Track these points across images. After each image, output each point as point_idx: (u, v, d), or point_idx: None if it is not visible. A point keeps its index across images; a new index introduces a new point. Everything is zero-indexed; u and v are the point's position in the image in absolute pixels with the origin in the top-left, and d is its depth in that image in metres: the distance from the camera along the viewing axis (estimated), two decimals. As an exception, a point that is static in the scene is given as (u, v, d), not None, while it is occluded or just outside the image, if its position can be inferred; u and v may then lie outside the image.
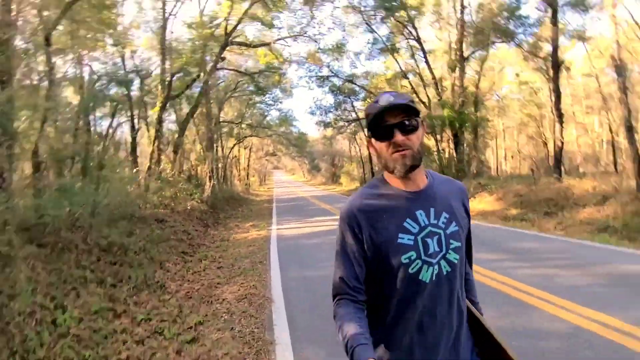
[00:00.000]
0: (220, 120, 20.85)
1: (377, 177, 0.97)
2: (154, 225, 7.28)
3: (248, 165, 35.98)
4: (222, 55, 13.51)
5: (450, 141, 13.85)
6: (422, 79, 15.84)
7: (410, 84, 16.76)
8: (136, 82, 12.15)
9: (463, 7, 11.92)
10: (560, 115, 10.17)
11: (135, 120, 12.47)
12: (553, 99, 10.43)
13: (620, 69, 6.16)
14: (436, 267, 0.87)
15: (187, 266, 5.76)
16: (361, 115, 24.63)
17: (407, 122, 0.85)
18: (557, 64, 9.18)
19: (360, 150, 28.36)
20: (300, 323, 3.08)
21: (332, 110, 23.93)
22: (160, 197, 9.44)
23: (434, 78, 13.69)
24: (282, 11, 13.81)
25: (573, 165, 19.52)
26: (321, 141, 34.01)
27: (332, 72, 19.01)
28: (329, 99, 22.93)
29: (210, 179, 11.98)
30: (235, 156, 29.73)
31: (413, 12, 13.19)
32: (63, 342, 2.93)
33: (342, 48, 18.09)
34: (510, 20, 11.23)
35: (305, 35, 15.19)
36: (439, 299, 0.88)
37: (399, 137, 0.84)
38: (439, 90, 13.71)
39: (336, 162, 37.58)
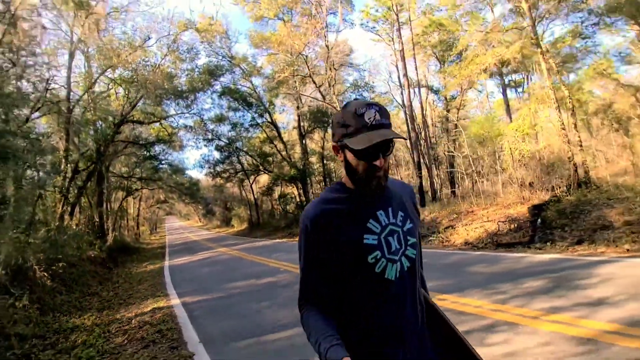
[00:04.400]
0: (110, 175, 22.84)
1: (336, 182, 0.98)
2: (76, 267, 10.37)
3: (138, 215, 36.34)
4: (118, 131, 16.85)
5: (300, 189, 19.99)
6: (283, 144, 22.07)
7: (276, 147, 22.85)
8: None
9: (299, 104, 18.61)
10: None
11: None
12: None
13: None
14: (398, 264, 0.90)
15: (107, 287, 9.36)
16: (247, 166, 29.65)
17: (390, 146, 0.86)
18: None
19: (247, 195, 32.87)
20: (179, 284, 7.57)
21: (220, 163, 28.05)
22: (68, 248, 12.12)
23: (285, 148, 19.95)
24: (170, 97, 18.17)
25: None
26: (212, 188, 37.30)
27: (215, 136, 23.77)
28: (216, 155, 27.34)
29: (112, 231, 14.82)
30: (124, 207, 30.54)
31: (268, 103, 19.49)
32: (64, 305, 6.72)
33: (224, 119, 23.26)
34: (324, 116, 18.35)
35: (190, 112, 19.78)
36: (403, 295, 0.90)
37: (381, 161, 0.86)
38: (289, 155, 19.98)
39: (229, 206, 41.12)
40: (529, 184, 8.65)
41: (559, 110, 9.26)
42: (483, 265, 5.09)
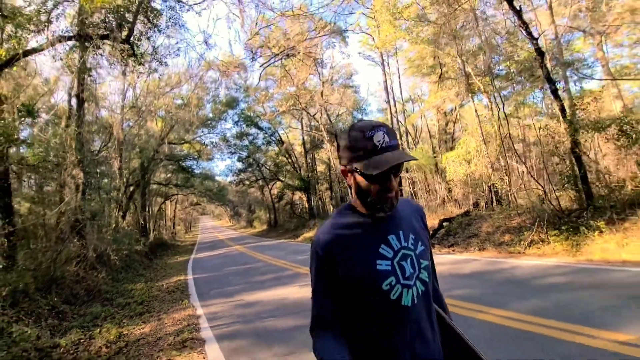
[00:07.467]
0: (151, 182, 27.61)
1: (345, 205, 0.96)
2: (129, 256, 14.41)
3: (174, 216, 41.49)
4: (158, 150, 21.17)
5: (304, 197, 23.35)
6: (290, 159, 25.55)
7: (287, 160, 26.39)
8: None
9: (302, 125, 22.00)
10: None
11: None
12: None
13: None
14: (414, 289, 0.88)
15: (149, 271, 13.23)
16: (266, 174, 33.53)
17: (400, 166, 0.86)
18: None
19: (265, 199, 36.69)
20: (195, 269, 11.16)
21: (242, 172, 32.06)
22: (122, 244, 16.33)
23: (292, 162, 23.42)
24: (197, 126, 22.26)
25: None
26: (237, 193, 41.62)
27: (237, 150, 27.78)
28: (239, 165, 31.46)
29: (152, 231, 19.03)
30: (162, 209, 35.56)
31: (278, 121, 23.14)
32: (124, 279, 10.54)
33: (243, 135, 27.21)
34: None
35: (214, 133, 23.85)
36: (421, 320, 0.90)
37: (394, 182, 0.85)
38: (296, 167, 23.43)
39: (252, 208, 45.38)
40: (454, 200, 11.33)
41: (485, 143, 11.83)
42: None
